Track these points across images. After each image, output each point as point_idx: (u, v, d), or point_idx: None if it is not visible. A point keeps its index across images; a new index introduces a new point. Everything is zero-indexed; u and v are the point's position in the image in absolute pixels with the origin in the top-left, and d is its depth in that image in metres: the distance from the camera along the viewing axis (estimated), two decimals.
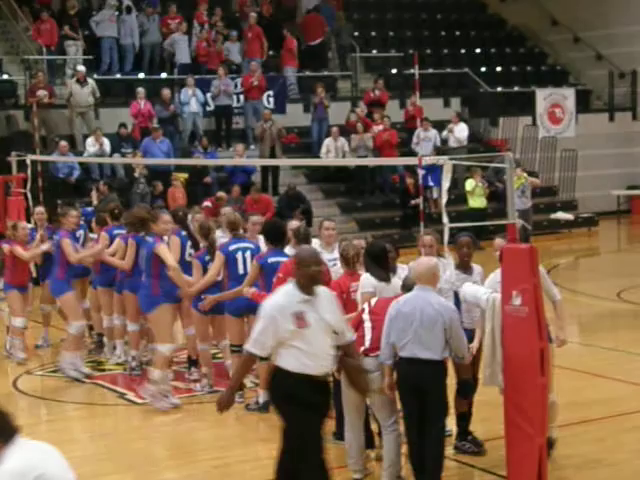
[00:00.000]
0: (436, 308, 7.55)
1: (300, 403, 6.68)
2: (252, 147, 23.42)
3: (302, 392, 6.68)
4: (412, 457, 7.70)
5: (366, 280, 8.38)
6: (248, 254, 10.44)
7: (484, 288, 8.44)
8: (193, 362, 11.43)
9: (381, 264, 8.37)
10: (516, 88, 28.06)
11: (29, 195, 16.73)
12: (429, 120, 23.56)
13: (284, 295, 6.84)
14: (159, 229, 10.83)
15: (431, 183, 21.91)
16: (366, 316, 7.94)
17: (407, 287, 7.93)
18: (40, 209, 14.15)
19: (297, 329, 6.65)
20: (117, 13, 24.47)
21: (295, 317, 6.66)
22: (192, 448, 9.27)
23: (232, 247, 10.52)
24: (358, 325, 7.93)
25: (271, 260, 9.86)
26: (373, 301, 8.06)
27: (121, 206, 13.39)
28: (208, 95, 23.61)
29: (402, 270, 8.74)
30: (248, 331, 9.18)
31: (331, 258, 9.83)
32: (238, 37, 25.15)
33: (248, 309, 9.90)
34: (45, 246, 12.63)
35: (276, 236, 10.05)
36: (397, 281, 8.35)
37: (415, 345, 7.49)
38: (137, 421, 10.39)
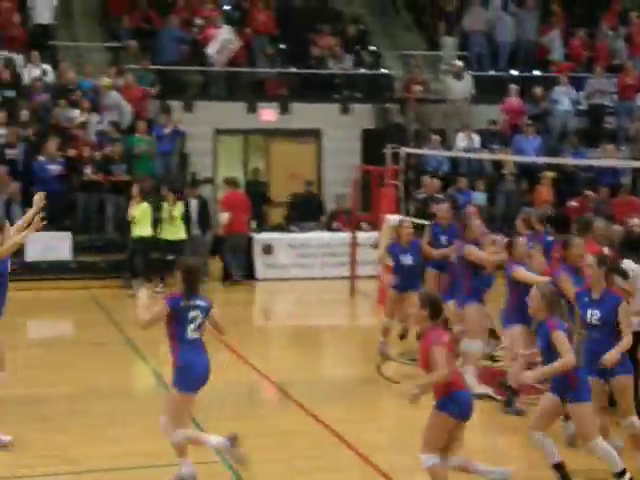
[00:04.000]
0: None
1: None
2: (622, 148, 22.85)
3: None
4: None
5: (629, 265, 9.47)
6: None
7: None
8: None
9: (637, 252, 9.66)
10: None
11: (400, 186, 17.27)
12: None
13: None
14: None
15: None
16: None
17: None
18: (444, 206, 13.34)
19: None
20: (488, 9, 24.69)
21: None
22: None
23: None
24: None
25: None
26: None
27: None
28: (581, 93, 23.33)
29: None
30: None
31: None
32: (626, 35, 24.65)
33: None
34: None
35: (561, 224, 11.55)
36: None
37: None
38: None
